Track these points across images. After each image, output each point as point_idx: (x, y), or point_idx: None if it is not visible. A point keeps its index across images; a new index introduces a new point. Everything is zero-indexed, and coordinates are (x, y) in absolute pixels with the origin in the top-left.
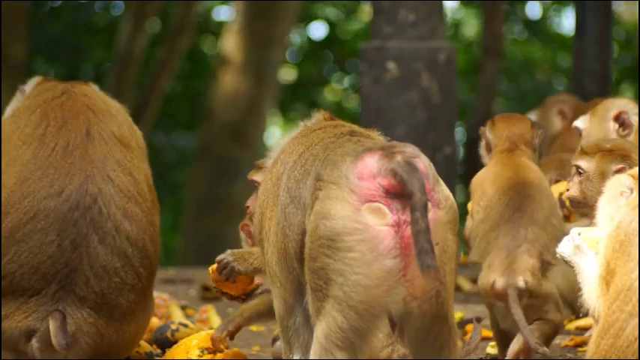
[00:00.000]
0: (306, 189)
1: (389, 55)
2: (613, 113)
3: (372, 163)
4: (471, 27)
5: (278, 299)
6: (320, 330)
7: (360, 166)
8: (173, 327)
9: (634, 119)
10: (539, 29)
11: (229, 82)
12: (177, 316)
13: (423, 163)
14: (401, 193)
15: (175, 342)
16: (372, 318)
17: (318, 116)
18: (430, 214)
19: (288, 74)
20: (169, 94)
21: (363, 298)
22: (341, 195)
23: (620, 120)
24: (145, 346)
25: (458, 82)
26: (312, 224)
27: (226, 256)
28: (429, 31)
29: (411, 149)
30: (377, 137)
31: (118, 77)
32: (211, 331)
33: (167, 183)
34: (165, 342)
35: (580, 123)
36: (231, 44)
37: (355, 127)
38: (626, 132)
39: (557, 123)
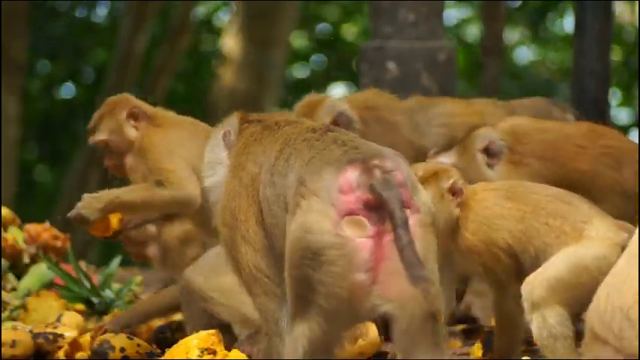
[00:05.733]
0: (288, 187)
1: (389, 55)
2: (481, 146)
3: (352, 177)
4: (474, 27)
5: (266, 294)
6: (299, 331)
7: (341, 180)
8: (173, 326)
9: (502, 147)
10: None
11: (229, 81)
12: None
13: (402, 174)
14: (380, 205)
15: (175, 341)
16: (351, 324)
17: (234, 118)
18: (411, 220)
19: (290, 74)
20: (171, 93)
21: (345, 308)
22: (322, 208)
23: (489, 151)
24: (144, 346)
25: (460, 82)
26: (293, 234)
27: (76, 207)
28: (429, 31)
29: (390, 162)
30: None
31: (118, 77)
32: (212, 331)
33: None
34: (165, 342)
35: (445, 159)
36: (231, 44)
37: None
38: (494, 161)
39: None
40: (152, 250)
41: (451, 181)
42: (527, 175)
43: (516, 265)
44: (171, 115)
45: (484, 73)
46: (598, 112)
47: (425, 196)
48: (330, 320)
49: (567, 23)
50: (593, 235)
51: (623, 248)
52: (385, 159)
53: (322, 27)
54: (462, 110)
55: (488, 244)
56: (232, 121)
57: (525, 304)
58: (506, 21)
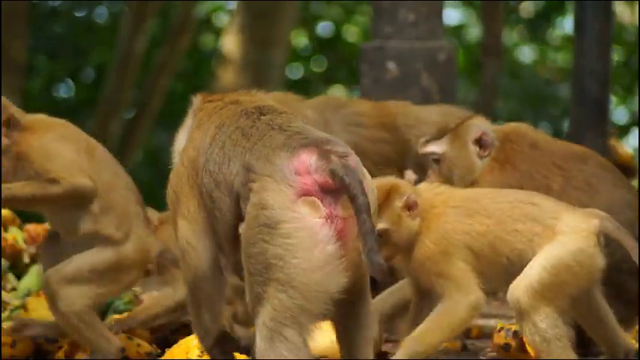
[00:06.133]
0: (231, 175)
1: (389, 55)
2: (474, 136)
3: (309, 160)
4: (474, 27)
5: (191, 270)
6: (265, 314)
7: (296, 162)
8: (173, 327)
9: (494, 139)
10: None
11: (229, 81)
12: None
13: (354, 160)
14: (334, 189)
15: (175, 341)
16: (316, 300)
17: (198, 99)
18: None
19: (291, 74)
20: (171, 93)
21: (305, 280)
22: (277, 187)
23: (482, 142)
24: (145, 345)
25: (461, 82)
26: (251, 214)
27: None
28: (429, 31)
29: (341, 147)
30: (283, 110)
31: (118, 77)
32: None
33: None
34: (165, 342)
35: (436, 147)
36: (231, 44)
37: (250, 101)
38: (486, 153)
39: None
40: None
41: (404, 198)
42: (504, 181)
43: (483, 273)
44: (42, 118)
45: (483, 73)
46: (598, 112)
47: (371, 183)
48: (292, 296)
49: (567, 23)
50: (565, 229)
51: (598, 235)
52: (335, 144)
53: (323, 27)
54: (374, 111)
55: (446, 254)
56: (195, 102)
57: (514, 313)
58: (506, 21)
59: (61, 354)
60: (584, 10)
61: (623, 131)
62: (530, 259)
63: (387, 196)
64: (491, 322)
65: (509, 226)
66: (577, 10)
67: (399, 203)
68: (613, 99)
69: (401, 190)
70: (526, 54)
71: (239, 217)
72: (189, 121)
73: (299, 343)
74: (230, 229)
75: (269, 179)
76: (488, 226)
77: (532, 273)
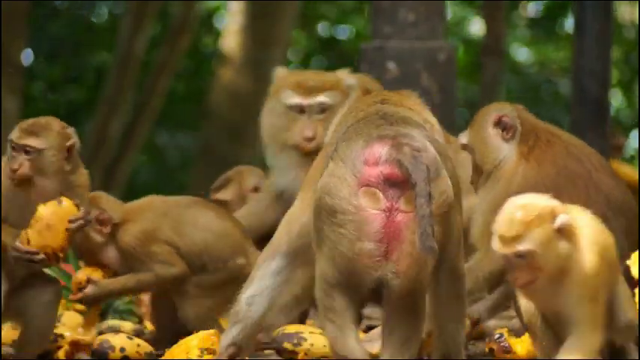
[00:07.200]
0: (331, 145)
1: (389, 55)
2: (492, 119)
3: (380, 151)
4: (476, 27)
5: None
6: (318, 268)
7: (367, 152)
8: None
9: (515, 120)
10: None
11: (230, 81)
12: None
13: (428, 157)
14: (400, 182)
15: (175, 341)
16: (353, 282)
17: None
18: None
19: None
20: (171, 93)
21: (345, 265)
22: (344, 175)
23: (502, 124)
24: (144, 345)
25: (461, 82)
26: (318, 191)
27: None
28: (429, 31)
29: (419, 143)
30: (408, 106)
31: (118, 77)
32: (212, 331)
33: (173, 183)
34: (165, 342)
35: (464, 138)
36: (231, 44)
37: (387, 95)
38: (509, 135)
39: None
40: (107, 257)
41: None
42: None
43: None
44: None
45: (484, 72)
46: (598, 112)
47: (444, 186)
48: (336, 273)
49: (567, 23)
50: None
51: None
52: (415, 139)
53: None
54: None
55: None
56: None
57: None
58: (508, 20)
59: (61, 354)
60: (584, 10)
61: (624, 131)
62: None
63: (538, 216)
64: (491, 322)
65: None
66: (577, 10)
67: (551, 225)
68: (619, 99)
69: (555, 211)
70: (526, 54)
71: None
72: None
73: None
74: None
75: (340, 164)
76: None
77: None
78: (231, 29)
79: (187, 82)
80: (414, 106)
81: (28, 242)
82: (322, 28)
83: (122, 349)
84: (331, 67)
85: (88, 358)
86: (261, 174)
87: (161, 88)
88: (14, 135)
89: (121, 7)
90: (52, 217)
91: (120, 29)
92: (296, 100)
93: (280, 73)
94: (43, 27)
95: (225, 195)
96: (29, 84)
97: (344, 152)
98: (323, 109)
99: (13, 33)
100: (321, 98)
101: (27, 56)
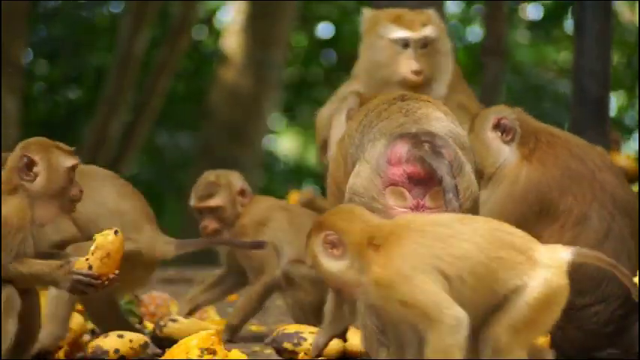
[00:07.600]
0: (357, 146)
1: None
2: (491, 122)
3: (401, 150)
4: (477, 27)
5: None
6: None
7: (390, 152)
8: (161, 322)
9: (514, 123)
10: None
11: (229, 81)
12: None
13: (448, 152)
14: (424, 179)
15: (175, 341)
16: None
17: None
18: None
19: (292, 74)
20: (171, 93)
21: None
22: (370, 176)
23: (501, 127)
24: (137, 339)
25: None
26: (347, 190)
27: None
28: None
29: (439, 140)
30: (425, 104)
31: (118, 77)
32: (212, 331)
33: (173, 183)
34: (163, 340)
35: None
36: (232, 44)
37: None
38: (509, 137)
39: None
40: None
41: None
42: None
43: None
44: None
45: (485, 73)
46: (598, 113)
47: (468, 182)
48: None
49: (567, 23)
50: (546, 261)
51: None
52: (436, 137)
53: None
54: None
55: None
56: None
57: (486, 349)
58: (509, 21)
59: (61, 354)
60: (584, 10)
61: (626, 132)
62: (513, 290)
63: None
64: None
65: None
66: (577, 10)
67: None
68: (622, 102)
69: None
70: (526, 54)
71: None
72: (342, 117)
73: None
74: None
75: (366, 165)
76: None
77: (516, 312)
78: (231, 29)
79: (187, 82)
80: (433, 100)
81: (90, 268)
82: (322, 28)
83: (116, 351)
84: (331, 67)
85: (89, 357)
86: (241, 176)
87: (161, 88)
88: None
89: (120, 7)
90: (111, 246)
91: (120, 29)
92: (400, 33)
93: (368, 13)
94: (43, 27)
95: (217, 201)
96: (29, 84)
97: (369, 153)
98: (425, 43)
99: (13, 33)
100: (427, 31)
101: (27, 56)
